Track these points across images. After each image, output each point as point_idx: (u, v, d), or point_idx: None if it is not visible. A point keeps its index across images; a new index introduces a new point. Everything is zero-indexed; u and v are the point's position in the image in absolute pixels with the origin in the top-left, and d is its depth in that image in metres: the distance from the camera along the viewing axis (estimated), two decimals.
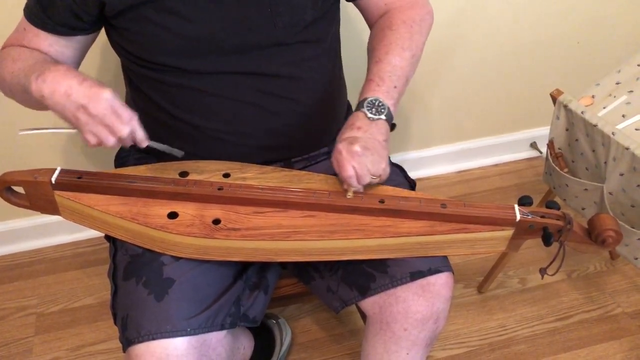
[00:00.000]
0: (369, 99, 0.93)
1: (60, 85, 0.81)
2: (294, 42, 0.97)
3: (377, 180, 0.91)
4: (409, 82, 1.00)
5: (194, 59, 0.94)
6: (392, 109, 0.94)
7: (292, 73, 0.99)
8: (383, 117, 0.92)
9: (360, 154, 0.87)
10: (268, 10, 0.93)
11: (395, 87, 0.96)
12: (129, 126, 0.83)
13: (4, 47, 0.98)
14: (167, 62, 0.95)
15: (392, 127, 0.95)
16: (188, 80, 0.96)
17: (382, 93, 0.94)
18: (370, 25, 1.08)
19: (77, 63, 1.01)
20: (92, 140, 0.83)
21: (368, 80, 0.97)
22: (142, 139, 0.86)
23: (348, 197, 0.90)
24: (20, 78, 0.88)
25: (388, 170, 0.92)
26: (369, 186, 0.91)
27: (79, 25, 0.94)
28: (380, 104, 0.93)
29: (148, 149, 0.89)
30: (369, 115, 0.92)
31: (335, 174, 0.92)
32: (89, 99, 0.80)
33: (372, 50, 1.01)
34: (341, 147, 0.88)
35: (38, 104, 0.85)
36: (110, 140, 0.83)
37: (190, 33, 0.92)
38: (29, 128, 0.88)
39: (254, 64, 0.96)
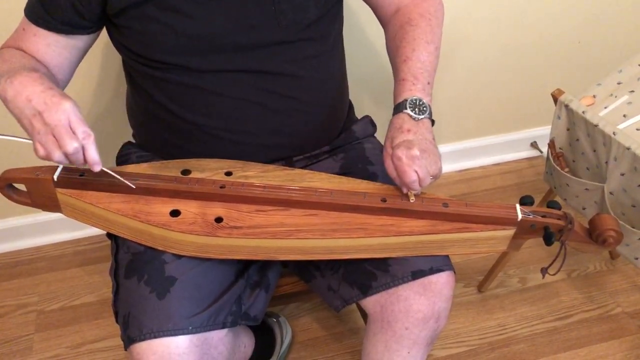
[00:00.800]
0: (410, 99, 0.92)
1: (25, 90, 0.79)
2: (297, 40, 0.97)
3: (433, 180, 0.90)
4: (436, 73, 0.99)
5: (196, 57, 0.94)
6: (430, 105, 0.94)
7: (295, 71, 0.99)
8: (427, 115, 0.92)
9: (419, 157, 0.85)
10: (271, 8, 0.93)
11: (428, 82, 0.95)
12: (77, 143, 0.77)
13: (1, 48, 0.97)
14: (168, 60, 0.95)
15: (432, 123, 0.94)
16: (190, 78, 0.96)
17: (419, 91, 0.93)
18: (384, 22, 1.07)
19: (73, 66, 1.00)
20: (40, 151, 0.79)
21: (401, 79, 0.95)
22: (95, 162, 0.80)
23: (411, 201, 0.89)
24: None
25: (442, 168, 0.91)
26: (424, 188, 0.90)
27: (81, 23, 0.93)
28: (421, 103, 0.92)
29: (101, 173, 0.84)
30: (414, 115, 0.91)
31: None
32: (47, 107, 0.77)
33: (397, 48, 0.99)
34: (400, 153, 0.86)
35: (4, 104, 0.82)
36: (56, 154, 0.78)
37: (192, 31, 0.92)
38: None
39: (256, 62, 0.96)
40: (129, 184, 0.90)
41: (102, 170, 0.83)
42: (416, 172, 0.85)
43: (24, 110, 0.79)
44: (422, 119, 0.91)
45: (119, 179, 0.89)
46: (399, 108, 0.93)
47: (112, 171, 0.88)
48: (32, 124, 0.78)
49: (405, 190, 0.90)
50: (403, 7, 1.03)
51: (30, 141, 0.81)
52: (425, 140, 0.89)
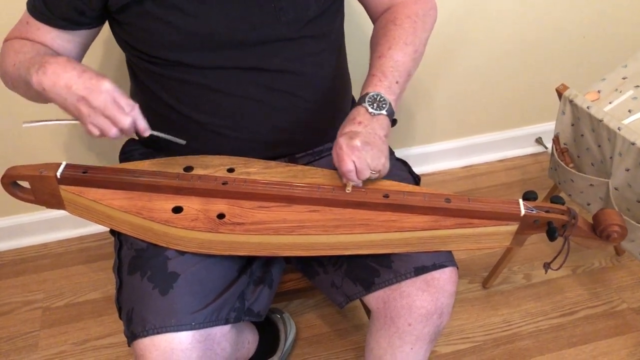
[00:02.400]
0: (371, 93, 0.93)
1: (61, 78, 0.81)
2: (298, 37, 0.97)
3: (376, 175, 0.91)
4: (411, 77, 1.00)
5: (198, 54, 0.94)
6: (393, 104, 0.94)
7: (296, 68, 0.99)
8: (384, 112, 0.92)
9: (360, 149, 0.86)
10: (272, 5, 0.93)
11: (397, 82, 0.95)
12: (130, 117, 0.83)
13: (6, 40, 0.98)
14: (170, 57, 0.95)
15: (393, 122, 0.95)
16: (192, 75, 0.97)
17: (384, 88, 0.94)
18: (374, 19, 1.08)
19: (79, 57, 1.01)
20: (95, 131, 0.83)
21: (370, 75, 0.96)
22: (145, 128, 0.86)
23: (347, 191, 0.90)
24: (21, 70, 0.88)
25: (388, 165, 0.91)
26: (368, 181, 0.91)
27: (81, 20, 0.94)
28: (381, 99, 0.92)
29: (151, 137, 0.89)
30: (370, 110, 0.92)
31: (335, 168, 0.92)
32: (90, 91, 0.80)
33: (375, 44, 1.00)
34: (342, 141, 0.87)
35: (40, 96, 0.85)
36: (113, 131, 0.83)
37: (193, 28, 0.92)
38: (32, 120, 0.88)
39: (257, 60, 0.96)
40: (179, 142, 0.91)
41: (150, 135, 0.87)
42: (354, 162, 0.86)
43: (66, 97, 0.82)
44: (378, 114, 0.92)
45: (171, 138, 0.91)
46: (359, 101, 0.94)
47: (160, 132, 0.90)
48: (79, 109, 0.82)
49: (343, 180, 0.90)
50: (393, 6, 1.04)
51: (77, 121, 0.84)
52: (373, 135, 0.89)
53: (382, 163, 0.90)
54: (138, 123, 0.85)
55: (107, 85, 0.81)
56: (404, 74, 0.97)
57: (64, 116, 0.86)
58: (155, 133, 0.89)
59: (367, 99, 0.92)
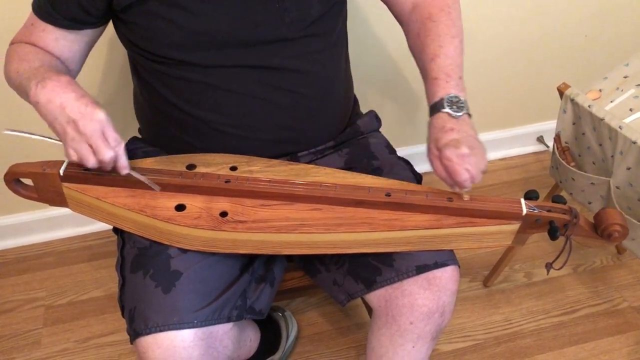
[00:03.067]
0: (447, 97, 0.91)
1: (58, 96, 0.81)
2: (301, 36, 0.97)
3: (481, 176, 0.89)
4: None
5: (201, 53, 0.95)
6: (467, 100, 0.93)
7: (299, 67, 0.99)
8: (466, 111, 0.91)
9: (469, 155, 0.85)
10: (275, 5, 0.93)
11: (460, 77, 0.95)
12: (113, 152, 0.83)
13: (11, 43, 0.98)
14: (174, 55, 0.95)
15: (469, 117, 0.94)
16: (195, 73, 0.97)
17: (454, 88, 0.93)
18: (402, 19, 1.06)
19: (83, 57, 1.01)
20: (73, 156, 0.83)
21: (433, 78, 0.94)
22: (124, 167, 0.86)
23: (465, 199, 0.89)
24: (23, 79, 0.89)
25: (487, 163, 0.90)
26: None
27: (86, 19, 0.94)
28: (458, 100, 0.91)
29: (127, 176, 0.88)
30: (453, 114, 0.90)
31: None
32: (82, 116, 0.80)
33: (422, 46, 0.99)
34: (449, 153, 0.85)
35: (34, 107, 0.85)
36: (91, 161, 0.82)
37: (197, 27, 0.92)
38: (16, 130, 0.87)
39: (261, 58, 0.96)
40: (154, 187, 0.91)
41: (127, 174, 0.87)
42: (467, 170, 0.85)
43: (57, 117, 0.81)
44: (461, 115, 0.90)
45: (145, 181, 0.90)
46: (436, 108, 0.92)
47: (139, 173, 0.90)
48: (66, 131, 0.82)
49: (457, 190, 0.89)
50: (420, 2, 1.02)
51: (60, 142, 0.84)
52: (470, 137, 0.88)
53: (486, 163, 0.88)
54: (119, 160, 0.85)
55: (100, 115, 0.81)
56: (461, 66, 0.97)
57: (48, 133, 0.85)
58: (134, 173, 0.89)
59: (445, 103, 0.91)
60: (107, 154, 0.82)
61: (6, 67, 0.95)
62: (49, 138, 0.86)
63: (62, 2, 0.92)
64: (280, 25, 0.95)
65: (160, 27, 0.92)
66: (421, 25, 1.00)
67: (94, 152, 0.82)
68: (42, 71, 0.87)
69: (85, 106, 0.81)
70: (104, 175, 0.92)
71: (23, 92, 0.89)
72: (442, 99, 0.91)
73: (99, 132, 0.81)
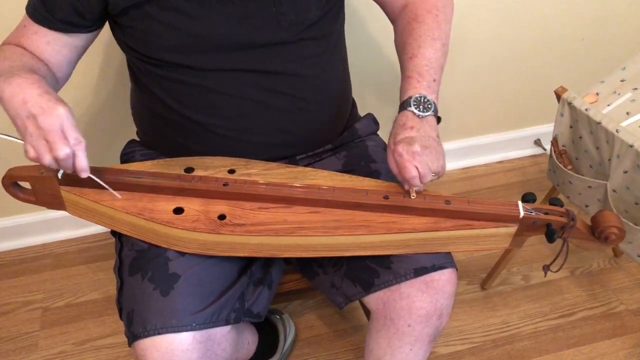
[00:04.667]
0: (414, 96, 0.92)
1: (22, 92, 0.79)
2: (298, 40, 0.97)
3: (436, 177, 0.90)
4: (443, 70, 0.99)
5: (198, 56, 0.95)
6: (436, 102, 0.94)
7: (297, 70, 0.99)
8: (431, 112, 0.92)
9: (420, 154, 0.86)
10: (273, 9, 0.93)
11: (434, 80, 0.95)
12: (68, 149, 0.78)
13: (2, 44, 0.98)
14: (171, 59, 0.95)
15: (438, 120, 0.94)
16: (192, 77, 0.97)
17: (425, 89, 0.93)
18: (392, 18, 1.07)
19: (72, 64, 1.00)
20: (30, 153, 0.79)
21: (407, 77, 0.95)
22: (83, 169, 0.81)
23: (412, 197, 0.90)
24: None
25: (445, 166, 0.91)
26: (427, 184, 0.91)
27: (81, 22, 0.94)
28: (426, 100, 0.92)
29: (87, 179, 0.84)
30: (418, 113, 0.91)
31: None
32: (42, 111, 0.78)
33: (403, 45, 1.00)
34: (401, 149, 0.87)
35: None
36: (47, 158, 0.78)
37: (194, 30, 0.92)
38: None
39: (258, 62, 0.96)
40: (115, 193, 0.90)
41: (88, 177, 0.83)
42: (416, 167, 0.86)
43: (19, 111, 0.79)
44: (426, 116, 0.91)
45: (105, 187, 0.89)
46: (403, 105, 0.93)
47: (99, 178, 0.88)
48: (26, 125, 0.79)
49: (406, 187, 0.90)
50: (411, 2, 1.03)
51: (22, 141, 0.81)
52: (428, 137, 0.89)
53: (441, 164, 0.89)
54: (78, 160, 0.80)
55: (60, 111, 0.78)
56: (439, 70, 0.97)
57: (12, 132, 0.83)
58: (94, 178, 0.86)
59: (412, 102, 0.92)
60: (62, 151, 0.77)
61: None
62: (12, 137, 0.82)
63: (56, 5, 0.91)
64: (278, 29, 0.95)
65: (156, 30, 0.92)
66: (406, 24, 1.01)
67: (49, 149, 0.78)
68: (16, 69, 0.85)
69: (47, 101, 0.78)
70: (102, 177, 0.92)
71: None
72: (410, 97, 0.92)
73: (58, 128, 0.78)
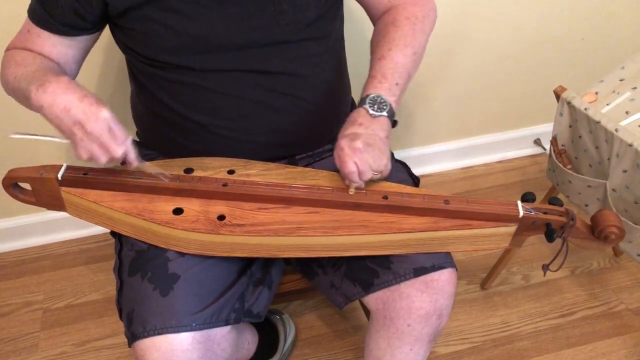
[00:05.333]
0: (371, 95, 0.93)
1: (60, 99, 0.81)
2: (297, 39, 0.97)
3: (378, 176, 0.91)
4: (411, 79, 1.00)
5: (198, 57, 0.95)
6: (393, 105, 0.94)
7: (296, 70, 1.00)
8: (385, 113, 0.93)
9: (362, 150, 0.87)
10: (271, 8, 0.93)
11: (397, 84, 0.96)
12: (123, 147, 0.83)
13: (8, 49, 0.99)
14: (170, 60, 0.95)
15: (394, 123, 0.95)
16: (192, 77, 0.97)
17: (385, 90, 0.94)
18: (374, 21, 1.08)
19: (79, 63, 1.02)
20: (85, 156, 0.83)
21: (370, 76, 0.97)
22: (134, 160, 0.86)
23: (350, 192, 0.91)
24: (22, 83, 0.89)
25: (389, 166, 0.92)
26: (370, 182, 0.92)
27: (82, 25, 0.94)
28: (382, 101, 0.93)
29: (136, 169, 0.90)
30: (371, 111, 0.92)
31: (337, 170, 0.92)
32: (87, 117, 0.81)
33: (375, 46, 1.01)
34: (343, 143, 0.88)
35: (37, 111, 0.85)
36: (103, 158, 0.83)
37: (193, 31, 0.93)
38: (23, 132, 0.88)
39: (257, 62, 0.97)
40: (165, 178, 0.92)
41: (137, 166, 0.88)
42: (356, 164, 0.86)
43: (63, 119, 0.81)
44: (379, 116, 0.92)
45: (155, 171, 0.91)
46: (359, 103, 0.94)
47: (148, 164, 0.91)
48: (74, 132, 0.82)
49: (346, 182, 0.91)
50: (393, 8, 1.04)
51: (66, 141, 0.85)
52: (374, 136, 0.90)
53: (383, 164, 0.90)
54: (129, 154, 0.85)
55: (105, 114, 0.81)
56: (404, 75, 0.97)
57: (54, 133, 0.86)
58: (143, 165, 0.90)
59: (367, 100, 0.93)
60: (118, 151, 0.83)
61: (3, 73, 0.95)
62: (56, 138, 0.86)
63: (57, 8, 0.92)
64: (276, 28, 0.95)
65: (156, 31, 0.92)
66: (383, 27, 1.02)
67: (105, 151, 0.83)
68: (41, 74, 0.87)
69: (89, 106, 0.81)
70: (101, 178, 0.92)
71: (22, 96, 0.89)
72: (367, 96, 0.94)
73: (107, 130, 0.82)
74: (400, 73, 0.97)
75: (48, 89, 0.82)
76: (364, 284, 0.97)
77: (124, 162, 0.87)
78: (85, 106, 0.81)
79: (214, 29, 0.93)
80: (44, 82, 0.83)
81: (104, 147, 0.82)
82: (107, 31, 1.01)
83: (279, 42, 0.96)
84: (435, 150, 1.90)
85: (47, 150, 1.54)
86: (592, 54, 1.80)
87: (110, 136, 0.82)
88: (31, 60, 0.93)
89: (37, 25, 0.95)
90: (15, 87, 0.92)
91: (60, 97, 0.81)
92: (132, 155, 0.86)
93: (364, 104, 0.93)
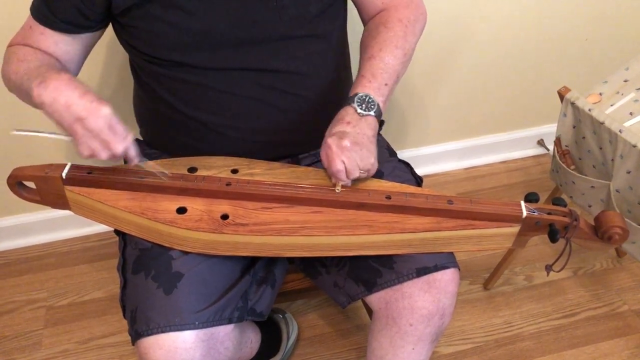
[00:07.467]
0: (360, 94, 0.93)
1: (61, 95, 0.81)
2: (300, 36, 0.98)
3: (365, 174, 0.91)
4: (400, 80, 1.00)
5: (200, 55, 0.95)
6: (381, 105, 0.94)
7: (298, 68, 1.00)
8: (372, 113, 0.93)
9: (349, 149, 0.87)
10: (273, 3, 0.93)
11: (386, 84, 0.96)
12: (124, 143, 0.84)
13: (10, 46, 0.99)
14: (173, 57, 0.96)
15: (381, 123, 0.96)
16: (194, 75, 0.97)
17: (373, 90, 0.94)
18: (365, 21, 1.08)
19: (81, 60, 1.02)
20: (86, 152, 0.84)
21: (360, 75, 0.97)
22: (134, 157, 0.87)
23: (337, 191, 0.91)
24: (23, 80, 0.89)
25: (376, 165, 0.92)
26: (357, 180, 0.92)
27: (84, 23, 0.95)
28: (370, 100, 0.93)
29: (136, 166, 0.90)
30: (359, 110, 0.92)
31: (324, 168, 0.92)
32: (88, 113, 0.81)
33: (366, 46, 1.01)
34: (330, 141, 0.88)
35: (38, 108, 0.85)
36: (104, 155, 0.84)
37: (195, 28, 0.93)
38: (24, 129, 0.88)
39: (259, 60, 0.97)
40: (162, 176, 0.92)
41: (136, 165, 0.89)
42: (343, 162, 0.87)
43: (64, 115, 0.82)
44: (366, 115, 0.92)
45: (155, 169, 0.92)
46: (347, 101, 0.94)
47: (145, 165, 0.92)
48: (74, 129, 0.82)
49: (333, 180, 0.91)
50: (385, 10, 1.04)
51: (68, 138, 0.85)
52: (362, 135, 0.90)
53: (371, 162, 0.90)
54: (130, 151, 0.86)
55: (106, 110, 0.81)
56: (393, 76, 0.98)
57: (56, 130, 0.86)
58: (144, 163, 0.90)
59: (356, 99, 0.93)
60: (119, 148, 0.83)
61: (4, 69, 0.95)
62: (57, 135, 0.86)
63: (60, 6, 0.92)
64: (278, 24, 0.95)
65: (158, 29, 0.93)
66: (374, 27, 1.02)
67: (106, 147, 0.83)
68: (42, 70, 0.87)
69: (90, 103, 0.81)
70: (105, 177, 0.92)
71: (24, 92, 0.89)
72: (355, 95, 0.94)
73: (107, 126, 0.82)
74: (389, 74, 0.97)
75: (49, 86, 0.82)
76: (367, 283, 0.97)
77: (125, 159, 0.88)
78: (86, 103, 0.81)
79: (215, 24, 0.93)
80: (45, 78, 0.83)
81: (104, 143, 0.82)
82: (109, 29, 1.01)
83: (281, 39, 0.96)
84: (439, 150, 1.90)
85: (52, 149, 1.54)
86: (596, 55, 1.79)
87: (111, 133, 0.82)
88: (33, 57, 0.93)
89: (40, 23, 0.95)
90: (16, 84, 0.92)
91: (62, 93, 0.81)
92: (133, 152, 0.86)
93: (352, 102, 0.93)
